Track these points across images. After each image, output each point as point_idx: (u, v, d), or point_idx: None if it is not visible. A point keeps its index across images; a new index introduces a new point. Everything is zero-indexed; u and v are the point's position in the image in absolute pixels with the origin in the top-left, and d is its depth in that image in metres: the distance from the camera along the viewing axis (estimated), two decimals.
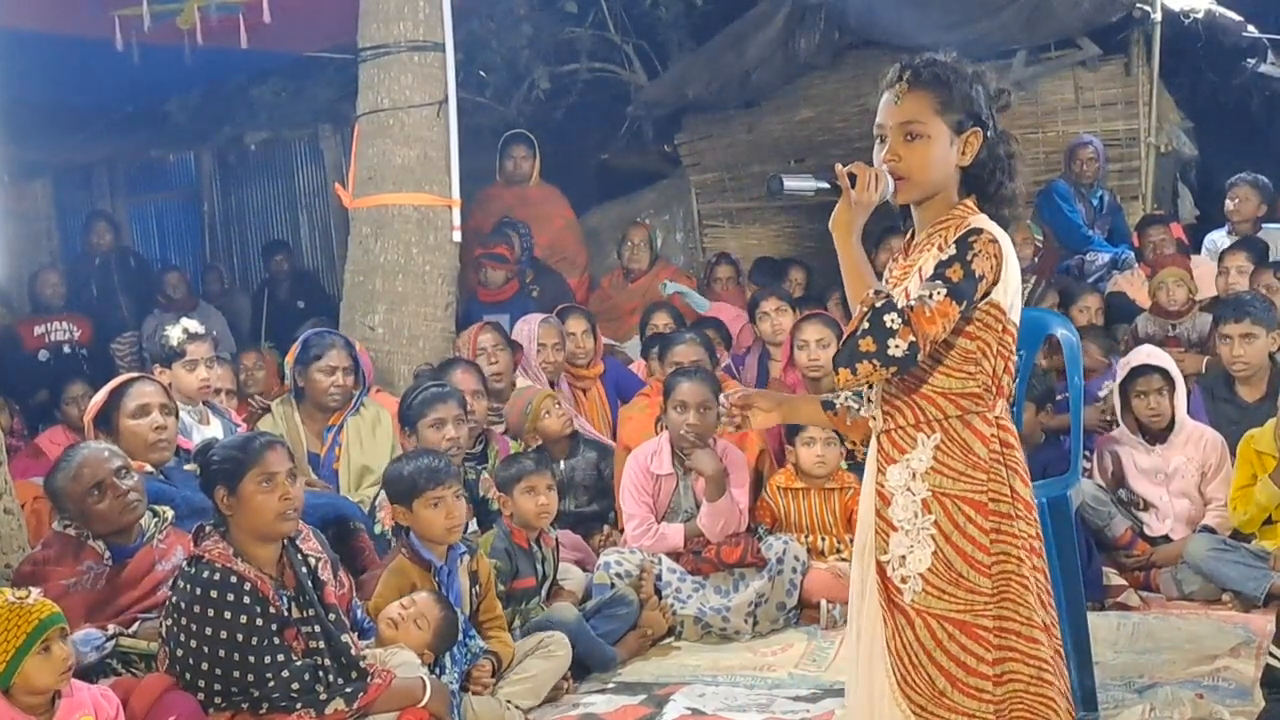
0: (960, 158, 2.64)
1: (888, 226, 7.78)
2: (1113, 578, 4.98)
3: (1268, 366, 5.48)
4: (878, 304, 2.49)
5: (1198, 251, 7.59)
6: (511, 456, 5.05)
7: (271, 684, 3.42)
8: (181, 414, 4.87)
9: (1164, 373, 5.16)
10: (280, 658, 3.44)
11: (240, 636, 3.39)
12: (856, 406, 2.81)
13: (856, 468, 5.32)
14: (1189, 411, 5.28)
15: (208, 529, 3.58)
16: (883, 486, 2.65)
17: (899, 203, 2.66)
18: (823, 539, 5.14)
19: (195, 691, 3.41)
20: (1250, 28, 8.11)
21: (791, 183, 2.67)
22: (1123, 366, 5.31)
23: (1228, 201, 7.48)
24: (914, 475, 2.61)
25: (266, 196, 10.79)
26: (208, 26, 6.79)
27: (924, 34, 8.21)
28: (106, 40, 6.65)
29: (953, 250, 2.53)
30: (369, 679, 3.56)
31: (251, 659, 3.40)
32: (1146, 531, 5.21)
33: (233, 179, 10.88)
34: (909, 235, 2.75)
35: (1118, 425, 5.33)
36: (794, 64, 8.75)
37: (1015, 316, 2.62)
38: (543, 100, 9.06)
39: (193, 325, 5.34)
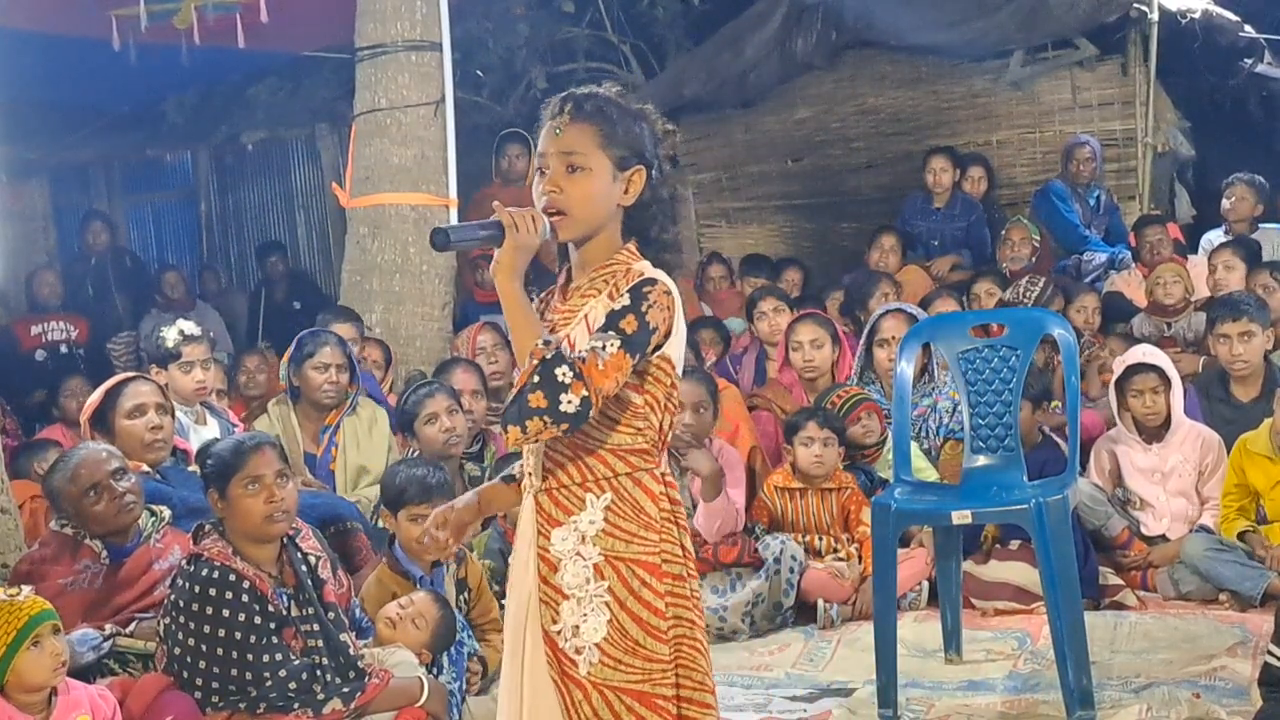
0: (623, 196, 2.52)
1: (882, 225, 7.87)
2: (1109, 577, 4.96)
3: (1262, 366, 5.48)
4: (548, 356, 2.33)
5: (1195, 251, 7.59)
6: (504, 458, 5.04)
7: (269, 683, 3.41)
8: (178, 414, 4.86)
9: (1160, 371, 5.15)
10: (278, 657, 3.43)
11: (238, 635, 3.39)
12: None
13: (854, 468, 5.32)
14: (1184, 411, 5.28)
15: (207, 527, 3.59)
16: (546, 551, 2.47)
17: (560, 240, 2.52)
18: (820, 539, 5.12)
19: (192, 691, 3.41)
20: (1247, 27, 8.11)
21: (456, 234, 2.54)
22: (1118, 365, 5.30)
23: (1224, 201, 7.47)
24: (583, 539, 2.45)
25: (264, 196, 10.79)
26: (205, 26, 6.80)
27: (921, 34, 8.23)
28: (103, 40, 6.66)
29: (626, 300, 2.40)
30: (367, 678, 3.56)
31: (249, 658, 3.40)
32: (1143, 531, 5.20)
33: (230, 179, 10.88)
34: (565, 275, 2.61)
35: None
36: (791, 64, 8.75)
37: (680, 370, 2.52)
38: (540, 100, 9.01)
39: (189, 327, 5.32)
